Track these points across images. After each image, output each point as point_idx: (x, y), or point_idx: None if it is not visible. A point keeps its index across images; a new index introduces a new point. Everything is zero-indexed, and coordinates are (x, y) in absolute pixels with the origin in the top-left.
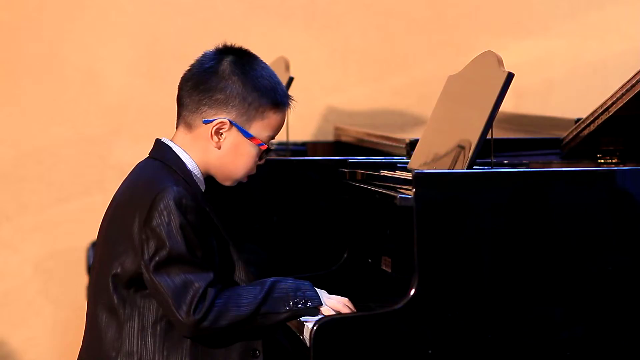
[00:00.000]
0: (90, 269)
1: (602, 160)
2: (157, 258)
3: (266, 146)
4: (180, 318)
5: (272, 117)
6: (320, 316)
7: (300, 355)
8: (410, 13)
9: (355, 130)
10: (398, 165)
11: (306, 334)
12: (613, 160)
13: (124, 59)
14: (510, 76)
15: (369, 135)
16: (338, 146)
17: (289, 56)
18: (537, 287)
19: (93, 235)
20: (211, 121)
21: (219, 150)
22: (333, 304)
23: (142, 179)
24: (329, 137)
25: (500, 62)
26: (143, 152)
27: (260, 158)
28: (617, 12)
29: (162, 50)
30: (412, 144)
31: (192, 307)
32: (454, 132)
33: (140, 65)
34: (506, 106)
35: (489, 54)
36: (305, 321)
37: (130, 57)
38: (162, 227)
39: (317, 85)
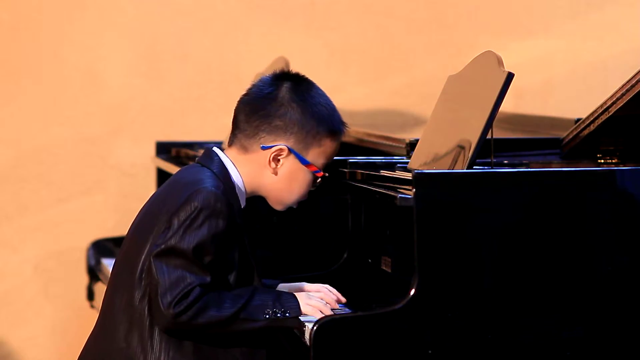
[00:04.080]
0: (92, 267)
1: (602, 160)
2: (163, 246)
3: (322, 173)
4: (161, 307)
5: (328, 145)
6: (314, 318)
7: (300, 355)
8: (410, 13)
9: (355, 130)
10: (398, 165)
11: (306, 334)
12: (613, 160)
13: (124, 59)
14: (510, 76)
15: (369, 135)
16: None
17: (289, 56)
18: (537, 287)
19: (93, 235)
20: (270, 147)
21: (275, 176)
22: (312, 308)
23: (183, 179)
24: None
25: (500, 62)
26: (143, 152)
27: (313, 185)
28: (617, 12)
29: (162, 50)
30: (412, 144)
31: (176, 300)
32: (454, 132)
33: (140, 65)
34: (506, 106)
35: (489, 54)
36: (305, 321)
37: (130, 57)
38: (185, 221)
39: None
